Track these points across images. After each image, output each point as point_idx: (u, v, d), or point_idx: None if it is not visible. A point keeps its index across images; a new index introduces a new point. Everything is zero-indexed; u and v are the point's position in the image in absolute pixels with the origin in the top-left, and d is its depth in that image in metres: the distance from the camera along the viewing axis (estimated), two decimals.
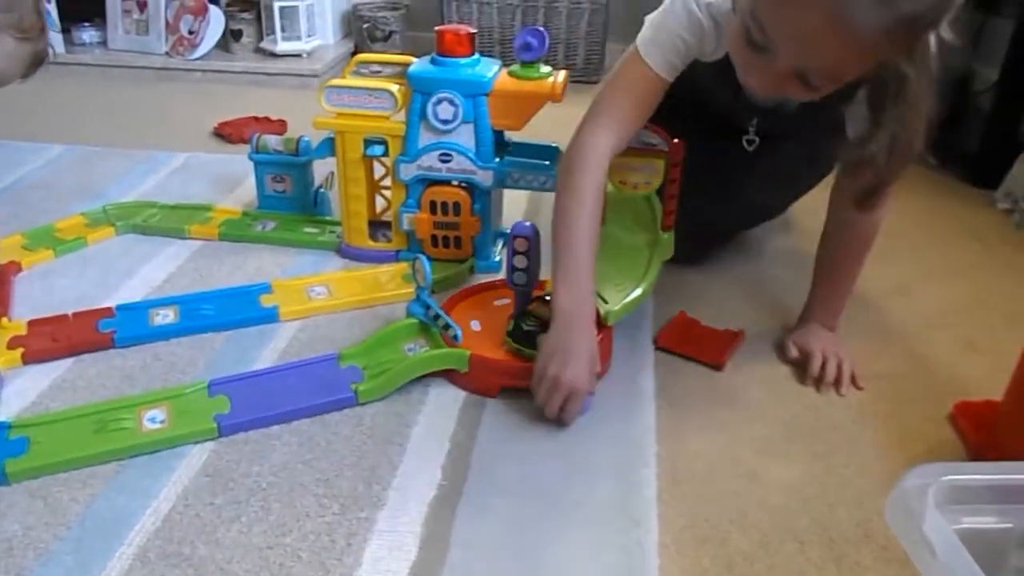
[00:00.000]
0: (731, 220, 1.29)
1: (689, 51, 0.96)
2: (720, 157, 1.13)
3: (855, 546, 0.79)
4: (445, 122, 1.18)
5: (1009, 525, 0.62)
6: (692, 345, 1.08)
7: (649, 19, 0.98)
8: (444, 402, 0.97)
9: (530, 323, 1.01)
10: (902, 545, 0.62)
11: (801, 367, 1.05)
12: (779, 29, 0.79)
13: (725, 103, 1.02)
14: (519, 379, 0.96)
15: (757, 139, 1.08)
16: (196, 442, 0.89)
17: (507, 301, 1.09)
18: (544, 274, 1.03)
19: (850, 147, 0.87)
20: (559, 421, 0.93)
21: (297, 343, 1.08)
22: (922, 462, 0.88)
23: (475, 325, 1.06)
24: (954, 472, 0.61)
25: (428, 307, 1.04)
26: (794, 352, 1.07)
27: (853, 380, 1.03)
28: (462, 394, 0.99)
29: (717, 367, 1.05)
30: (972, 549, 0.56)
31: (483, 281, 1.18)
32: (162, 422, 0.91)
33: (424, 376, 0.99)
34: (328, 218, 1.40)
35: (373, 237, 1.30)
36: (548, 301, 0.98)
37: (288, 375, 0.99)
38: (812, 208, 1.36)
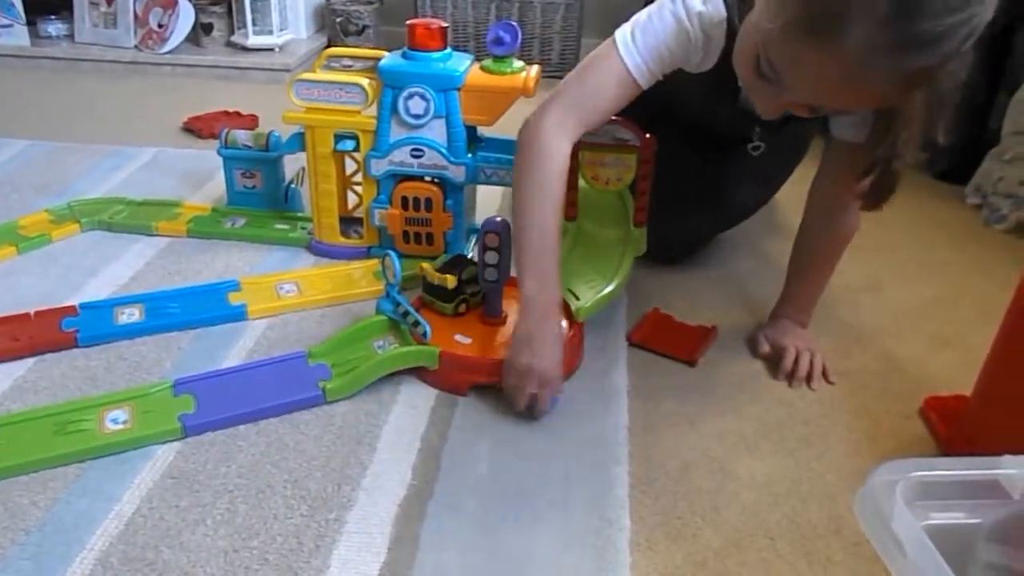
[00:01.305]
0: (721, 224, 1.30)
1: (673, 61, 0.92)
2: (714, 166, 1.13)
3: (826, 541, 0.79)
4: (416, 117, 1.17)
5: (978, 520, 0.61)
6: (665, 341, 1.08)
7: (634, 19, 0.93)
8: (415, 400, 0.96)
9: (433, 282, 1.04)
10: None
11: (773, 363, 1.06)
12: (792, 76, 0.78)
13: (727, 117, 1.00)
14: (490, 376, 0.95)
15: (762, 144, 1.06)
16: (161, 443, 0.88)
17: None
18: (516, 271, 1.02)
19: (862, 150, 0.87)
20: (530, 414, 0.93)
21: (266, 342, 1.06)
22: (893, 457, 0.89)
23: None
24: (923, 468, 0.61)
25: (398, 304, 1.03)
26: (766, 347, 1.07)
27: (825, 375, 1.03)
28: (434, 392, 0.98)
29: (690, 363, 1.05)
30: (941, 545, 0.55)
31: None
32: (125, 422, 0.89)
33: (395, 374, 0.98)
34: (299, 214, 1.38)
35: (345, 233, 1.29)
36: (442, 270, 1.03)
37: (255, 373, 0.98)
38: (786, 204, 1.37)
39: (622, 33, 0.92)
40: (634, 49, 0.91)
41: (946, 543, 0.56)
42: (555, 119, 0.95)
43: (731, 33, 0.88)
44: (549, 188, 0.94)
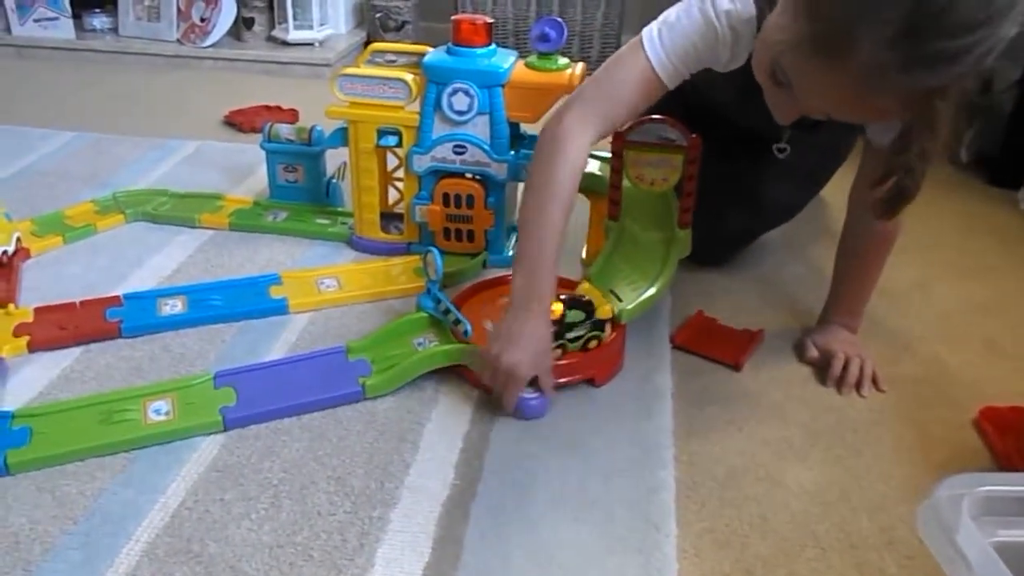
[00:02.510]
0: (759, 225, 1.27)
1: (700, 60, 0.91)
2: (749, 166, 1.12)
3: (878, 553, 0.77)
4: (460, 113, 1.16)
5: None
6: (710, 345, 1.07)
7: (663, 17, 0.91)
8: (457, 399, 0.96)
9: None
10: (930, 555, 0.60)
11: (821, 368, 1.03)
12: (802, 88, 0.78)
13: (756, 121, 0.98)
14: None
15: (788, 147, 1.04)
16: (203, 435, 0.88)
17: None
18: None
19: (884, 157, 0.85)
20: (503, 408, 0.92)
21: (308, 336, 1.06)
22: (946, 468, 0.88)
23: (488, 325, 1.03)
24: (988, 483, 0.59)
25: (439, 301, 1.02)
26: (814, 352, 1.05)
27: (875, 382, 1.01)
28: (476, 391, 0.97)
29: (735, 367, 1.03)
30: (1008, 563, 0.54)
31: (496, 275, 1.16)
32: (167, 414, 0.89)
33: (437, 371, 0.98)
34: (340, 209, 1.38)
35: (385, 229, 1.29)
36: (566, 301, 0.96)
37: (295, 368, 0.98)
38: (834, 207, 1.34)
39: (648, 31, 0.91)
40: (660, 47, 0.90)
41: (1013, 560, 0.55)
42: (576, 116, 0.93)
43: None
44: (559, 186, 0.92)
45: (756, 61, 0.84)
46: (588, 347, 0.98)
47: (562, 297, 0.97)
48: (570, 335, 0.97)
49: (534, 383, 0.92)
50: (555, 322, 0.95)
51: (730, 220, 1.20)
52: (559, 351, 0.97)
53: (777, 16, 0.78)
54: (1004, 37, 0.67)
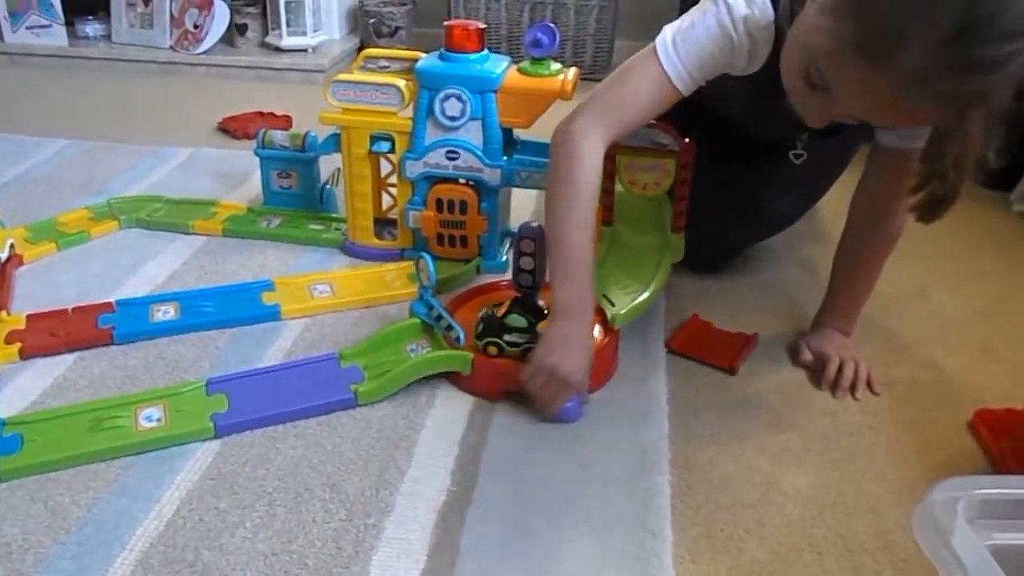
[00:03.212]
0: (760, 234, 1.27)
1: (716, 67, 0.89)
2: (754, 174, 1.11)
3: (874, 557, 0.77)
4: (452, 119, 1.16)
5: None
6: (705, 348, 1.07)
7: (676, 25, 0.90)
8: (453, 405, 0.95)
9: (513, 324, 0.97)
10: (925, 558, 0.60)
11: (816, 372, 1.03)
12: (841, 90, 0.76)
13: (770, 122, 0.98)
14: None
15: (805, 153, 1.03)
16: (195, 441, 0.88)
17: None
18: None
19: (910, 159, 0.84)
20: (548, 413, 0.91)
21: (303, 342, 1.06)
22: (941, 471, 0.88)
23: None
24: (983, 486, 0.59)
25: (431, 307, 1.02)
26: (808, 356, 1.05)
27: (870, 385, 1.01)
28: (471, 397, 0.97)
29: (730, 371, 1.03)
30: (1003, 566, 0.54)
31: (487, 282, 1.15)
32: (158, 420, 0.89)
33: (432, 377, 0.98)
34: (334, 215, 1.38)
35: (379, 235, 1.29)
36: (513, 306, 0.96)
37: (288, 374, 0.98)
38: (828, 211, 1.34)
39: (662, 39, 0.90)
40: (675, 55, 0.89)
41: (1008, 564, 0.55)
42: (588, 123, 0.93)
43: (779, 35, 0.86)
44: (581, 195, 0.92)
45: (787, 63, 0.83)
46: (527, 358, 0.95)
47: (517, 296, 0.97)
48: (508, 337, 0.96)
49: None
50: (494, 316, 0.96)
51: (731, 230, 1.20)
52: (493, 348, 0.97)
53: (815, 17, 0.76)
54: None
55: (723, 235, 1.18)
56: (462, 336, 0.98)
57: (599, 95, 0.94)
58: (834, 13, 0.73)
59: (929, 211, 0.80)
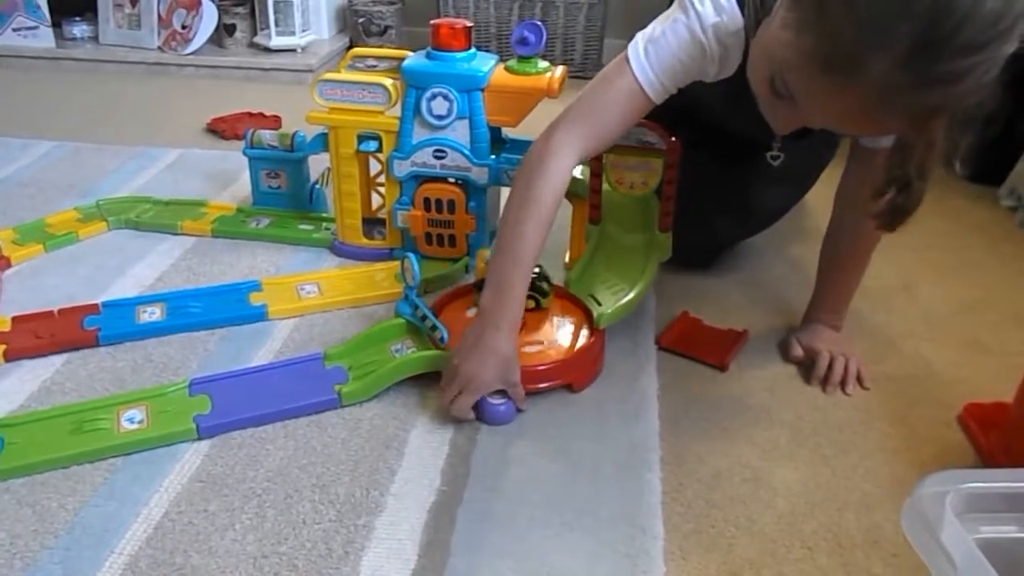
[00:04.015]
0: (747, 230, 1.27)
1: (687, 75, 0.89)
2: (740, 172, 1.11)
3: (864, 552, 0.77)
4: (440, 118, 1.15)
5: None
6: (695, 345, 1.07)
7: (647, 32, 0.89)
8: (443, 405, 0.95)
9: None
10: (915, 553, 0.60)
11: (806, 367, 1.04)
12: (806, 101, 0.76)
13: (746, 124, 0.98)
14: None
15: (781, 154, 1.02)
16: (178, 443, 0.87)
17: None
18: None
19: (878, 164, 0.85)
20: (452, 413, 0.91)
21: (292, 343, 1.06)
22: (931, 466, 0.88)
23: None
24: (971, 479, 0.59)
25: (416, 307, 1.02)
26: (799, 352, 1.05)
27: (860, 380, 1.01)
28: None
29: (721, 368, 1.03)
30: (992, 560, 0.54)
31: (474, 281, 1.15)
32: (140, 422, 0.88)
33: (421, 377, 0.97)
34: (323, 215, 1.37)
35: (368, 235, 1.28)
36: None
37: (272, 375, 0.97)
38: (815, 207, 1.35)
39: (634, 47, 0.89)
40: (647, 65, 0.88)
41: (996, 557, 0.55)
42: (564, 139, 0.92)
43: (749, 41, 0.85)
44: (541, 216, 0.91)
45: (753, 72, 0.83)
46: None
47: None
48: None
49: (502, 391, 0.92)
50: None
51: (719, 226, 1.20)
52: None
53: (779, 30, 0.75)
54: (1005, 54, 0.67)
55: (709, 231, 1.18)
56: (447, 336, 0.98)
57: (574, 108, 0.93)
58: (795, 28, 0.73)
59: (890, 220, 0.81)
